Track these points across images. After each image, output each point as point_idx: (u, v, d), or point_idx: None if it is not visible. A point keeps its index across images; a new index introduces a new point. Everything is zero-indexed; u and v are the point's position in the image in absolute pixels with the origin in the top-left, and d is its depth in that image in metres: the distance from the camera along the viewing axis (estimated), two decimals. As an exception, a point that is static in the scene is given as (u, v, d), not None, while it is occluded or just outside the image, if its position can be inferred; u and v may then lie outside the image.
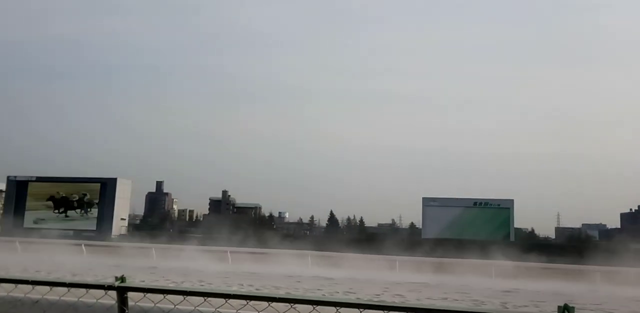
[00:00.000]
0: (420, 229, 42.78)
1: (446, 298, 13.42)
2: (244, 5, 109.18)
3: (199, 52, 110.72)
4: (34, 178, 40.38)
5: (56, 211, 39.73)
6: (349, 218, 73.88)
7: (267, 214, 78.38)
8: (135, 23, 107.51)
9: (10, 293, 3.84)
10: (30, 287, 3.53)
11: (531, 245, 38.38)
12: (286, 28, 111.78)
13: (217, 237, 39.75)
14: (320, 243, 33.19)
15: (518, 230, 46.85)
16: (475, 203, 39.41)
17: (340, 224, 69.61)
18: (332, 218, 68.58)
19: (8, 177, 40.62)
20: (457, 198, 40.26)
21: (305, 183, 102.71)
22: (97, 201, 39.25)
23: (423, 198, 40.45)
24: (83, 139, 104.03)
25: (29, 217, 39.32)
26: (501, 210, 38.93)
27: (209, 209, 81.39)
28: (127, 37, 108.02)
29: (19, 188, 39.82)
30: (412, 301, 12.08)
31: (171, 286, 3.34)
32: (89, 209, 39.34)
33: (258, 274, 18.69)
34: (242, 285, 14.54)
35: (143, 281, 11.28)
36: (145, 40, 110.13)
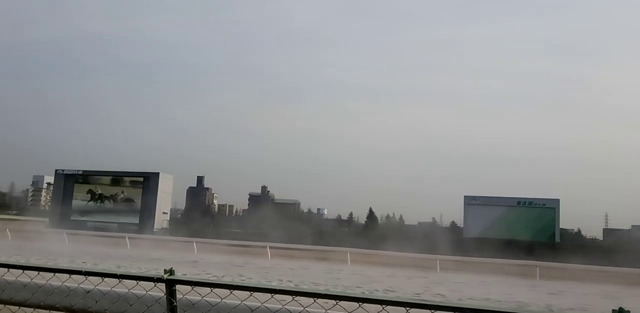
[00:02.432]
0: (462, 228, 42.13)
1: (488, 299, 13.16)
2: (282, 1, 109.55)
3: (237, 48, 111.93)
4: (80, 172, 41.69)
5: (90, 204, 41.09)
6: (388, 216, 73.47)
7: (305, 210, 78.86)
8: (173, 21, 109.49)
9: (65, 283, 3.97)
10: (82, 277, 3.63)
11: (577, 246, 37.31)
12: (326, 23, 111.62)
13: (256, 232, 40.20)
14: (359, 241, 33.12)
15: (564, 230, 45.56)
16: (519, 203, 38.51)
17: (379, 221, 69.23)
18: (371, 215, 68.26)
19: (56, 170, 42.09)
20: (500, 197, 39.41)
21: (344, 180, 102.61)
22: (132, 198, 40.33)
23: (465, 196, 39.81)
24: (128, 136, 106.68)
25: (76, 209, 40.67)
26: (546, 210, 37.90)
27: (248, 204, 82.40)
28: (165, 35, 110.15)
29: (66, 181, 41.21)
30: (453, 301, 11.90)
31: (216, 280, 3.38)
32: (118, 206, 40.55)
33: (296, 270, 18.78)
34: (281, 280, 14.63)
35: (185, 274, 11.50)
36: (184, 38, 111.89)
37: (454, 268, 22.87)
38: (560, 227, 39.48)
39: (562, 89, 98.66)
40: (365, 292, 13.04)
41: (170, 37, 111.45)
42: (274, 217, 51.88)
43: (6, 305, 4.25)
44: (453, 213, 69.52)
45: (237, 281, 3.88)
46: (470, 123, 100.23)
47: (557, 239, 37.72)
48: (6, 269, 3.92)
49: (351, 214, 73.85)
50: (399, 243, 29.13)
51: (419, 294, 13.04)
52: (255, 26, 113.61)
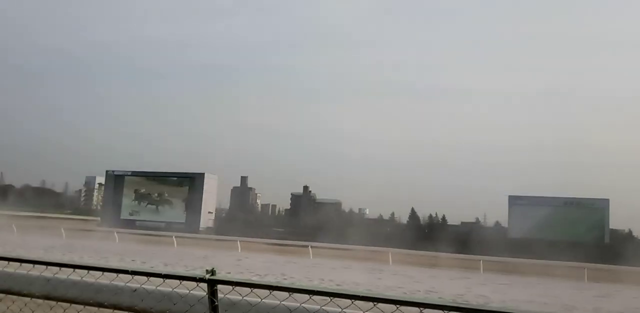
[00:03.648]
0: (506, 228, 41.30)
1: (532, 301, 12.87)
2: (317, 3, 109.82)
3: (279, 50, 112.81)
4: (129, 173, 43.06)
5: (139, 204, 42.43)
6: (430, 216, 72.58)
7: (347, 210, 78.72)
8: (213, 24, 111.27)
9: (113, 282, 4.15)
10: (129, 276, 3.78)
11: (629, 248, 35.94)
12: (360, 24, 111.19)
13: (298, 231, 40.52)
14: (401, 241, 32.92)
15: (614, 231, 43.96)
16: (566, 203, 37.44)
17: (421, 221, 68.47)
18: (413, 215, 67.62)
19: (107, 171, 43.63)
20: (546, 197, 38.43)
21: (386, 180, 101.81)
22: (179, 198, 41.36)
23: (509, 196, 39.05)
24: (178, 136, 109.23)
25: (125, 209, 42.03)
26: (595, 211, 36.74)
27: (290, 204, 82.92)
28: (205, 38, 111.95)
29: (116, 182, 42.63)
30: (496, 303, 11.71)
31: (258, 280, 3.45)
32: (165, 205, 41.68)
33: (338, 270, 18.84)
34: (322, 279, 14.71)
35: (229, 273, 11.72)
36: (225, 41, 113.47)
37: (498, 269, 22.47)
38: (610, 227, 38.19)
39: (610, 88, 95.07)
40: (407, 292, 12.99)
41: (209, 40, 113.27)
42: (315, 217, 52.15)
43: (58, 302, 4.47)
44: (497, 213, 67.99)
45: (277, 281, 3.96)
46: (517, 120, 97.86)
47: (607, 240, 36.48)
48: (58, 268, 4.12)
49: (393, 214, 73.25)
50: (441, 244, 28.82)
51: (461, 295, 12.87)
52: (294, 28, 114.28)
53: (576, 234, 35.70)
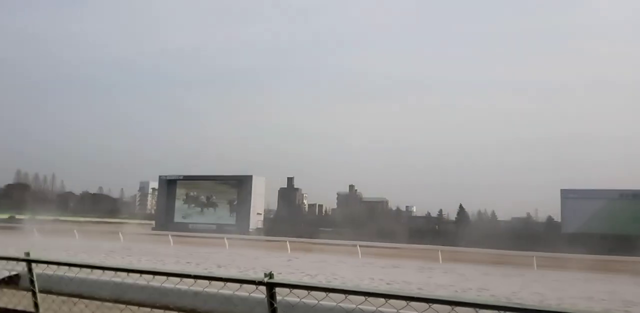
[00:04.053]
0: (559, 223, 40.16)
1: (592, 298, 12.56)
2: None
3: (322, 49, 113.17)
4: (181, 177, 44.35)
5: (190, 207, 43.60)
6: (479, 212, 71.37)
7: (394, 208, 78.37)
8: (250, 27, 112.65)
9: (177, 286, 4.39)
10: (192, 280, 3.99)
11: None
12: (399, 21, 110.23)
13: (346, 231, 40.62)
14: (450, 238, 32.57)
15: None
16: (621, 195, 36.10)
17: (470, 218, 67.41)
18: (461, 211, 66.65)
19: (160, 176, 45.07)
20: (600, 190, 37.13)
21: (433, 176, 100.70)
22: (229, 200, 42.28)
23: (561, 190, 37.92)
24: (223, 141, 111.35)
25: (178, 212, 43.30)
26: (653, 202, 35.27)
27: (337, 204, 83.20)
28: (244, 42, 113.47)
29: (168, 186, 43.96)
30: (553, 300, 11.49)
31: (314, 282, 3.58)
32: (215, 208, 42.63)
33: (387, 269, 18.85)
34: (372, 279, 14.77)
35: (280, 273, 11.94)
36: (264, 43, 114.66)
37: (553, 265, 21.94)
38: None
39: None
40: (458, 291, 12.90)
41: (249, 43, 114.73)
42: (362, 216, 52.17)
43: (127, 306, 4.76)
44: (550, 207, 66.02)
45: (332, 284, 4.08)
46: (567, 113, 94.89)
47: (669, 233, 34.94)
48: (126, 273, 4.39)
49: (441, 211, 72.41)
50: (492, 240, 28.35)
51: (515, 293, 12.68)
52: (341, 27, 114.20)
53: (633, 227, 34.36)
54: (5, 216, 52.18)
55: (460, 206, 67.02)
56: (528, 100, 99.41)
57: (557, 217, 43.03)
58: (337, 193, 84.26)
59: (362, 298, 3.22)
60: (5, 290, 5.17)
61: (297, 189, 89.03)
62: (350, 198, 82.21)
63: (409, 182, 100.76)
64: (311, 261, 20.76)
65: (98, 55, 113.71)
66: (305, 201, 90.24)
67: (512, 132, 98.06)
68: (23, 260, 4.43)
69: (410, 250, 26.53)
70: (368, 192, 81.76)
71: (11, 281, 5.07)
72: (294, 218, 65.67)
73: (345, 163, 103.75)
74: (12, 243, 20.91)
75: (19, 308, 4.73)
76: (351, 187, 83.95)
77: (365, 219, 51.13)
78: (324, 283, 9.25)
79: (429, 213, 73.49)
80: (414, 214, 77.46)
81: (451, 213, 69.93)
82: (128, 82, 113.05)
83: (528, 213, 69.39)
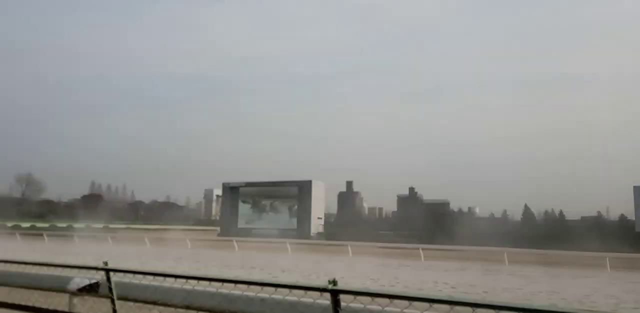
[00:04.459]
0: (633, 221, 38.15)
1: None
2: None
3: (384, 51, 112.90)
4: (243, 184, 45.43)
5: (253, 213, 44.54)
6: (546, 212, 68.83)
7: (455, 210, 76.85)
8: (308, 33, 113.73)
9: (244, 293, 4.53)
10: (259, 287, 4.12)
11: None
12: (459, 20, 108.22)
13: (407, 233, 40.21)
14: (516, 239, 31.56)
15: None
16: (702, 190, 33.94)
17: (536, 218, 65.14)
18: (527, 211, 64.55)
19: (223, 183, 46.34)
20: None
21: (496, 177, 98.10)
22: (290, 205, 42.86)
23: (634, 187, 36.06)
24: (283, 148, 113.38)
25: (242, 218, 44.36)
26: None
27: (397, 206, 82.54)
28: (306, 50, 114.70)
29: (232, 193, 45.11)
30: (630, 303, 10.95)
31: (378, 289, 3.62)
32: (277, 213, 43.31)
33: (451, 271, 18.54)
34: (436, 282, 14.58)
35: (343, 277, 12.01)
36: (324, 49, 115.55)
37: (627, 267, 20.89)
38: None
39: None
40: (527, 293, 12.51)
41: (312, 50, 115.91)
42: (423, 218, 51.43)
43: (198, 312, 4.95)
44: (622, 205, 62.88)
45: (396, 290, 4.10)
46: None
47: None
48: (196, 281, 4.58)
49: (505, 212, 70.41)
50: (560, 240, 27.29)
51: (587, 296, 12.17)
52: (407, 27, 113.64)
53: None
54: (82, 225, 54.89)
55: (526, 206, 64.94)
56: (601, 93, 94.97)
57: (631, 215, 40.94)
58: (397, 196, 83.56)
59: (426, 304, 3.22)
60: (87, 297, 5.50)
61: (356, 193, 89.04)
62: (410, 200, 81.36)
63: (471, 183, 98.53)
64: (373, 265, 20.70)
65: (160, 70, 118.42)
66: (364, 204, 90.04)
67: (581, 126, 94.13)
68: (102, 269, 4.71)
69: (474, 252, 25.95)
70: (428, 193, 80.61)
71: (92, 289, 5.39)
72: (354, 221, 65.59)
73: (404, 166, 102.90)
74: (94, 252, 22.14)
75: (100, 314, 5.03)
76: (411, 189, 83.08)
77: (426, 221, 50.25)
78: (387, 289, 9.23)
79: (492, 215, 71.61)
80: (477, 215, 75.68)
81: (516, 214, 67.88)
82: (191, 95, 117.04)
83: (598, 212, 66.31)
